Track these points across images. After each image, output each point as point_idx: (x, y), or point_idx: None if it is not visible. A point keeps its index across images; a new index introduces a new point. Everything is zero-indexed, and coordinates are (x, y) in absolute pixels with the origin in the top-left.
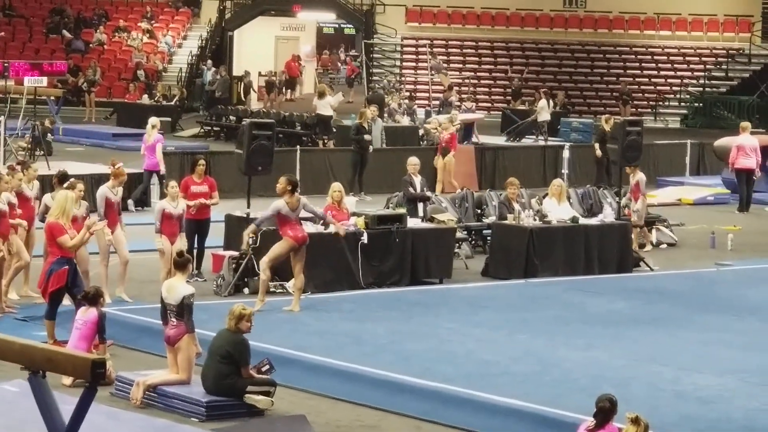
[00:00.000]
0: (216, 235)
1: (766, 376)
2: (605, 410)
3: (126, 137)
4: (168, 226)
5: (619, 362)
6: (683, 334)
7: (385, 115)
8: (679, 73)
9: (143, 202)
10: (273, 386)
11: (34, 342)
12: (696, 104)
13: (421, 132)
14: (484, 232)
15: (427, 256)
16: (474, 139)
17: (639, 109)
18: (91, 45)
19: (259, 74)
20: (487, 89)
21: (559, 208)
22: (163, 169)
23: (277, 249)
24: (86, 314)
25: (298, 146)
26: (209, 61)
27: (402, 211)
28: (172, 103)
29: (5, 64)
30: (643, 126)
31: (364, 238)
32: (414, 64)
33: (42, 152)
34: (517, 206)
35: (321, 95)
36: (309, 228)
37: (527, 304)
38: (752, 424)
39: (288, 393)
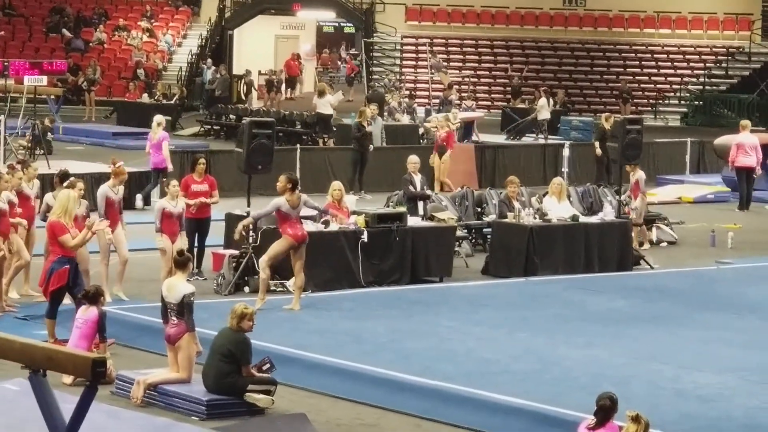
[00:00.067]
0: (216, 233)
1: (766, 374)
2: (606, 408)
3: (126, 136)
4: (168, 225)
5: (620, 360)
6: (683, 332)
7: (385, 113)
8: (679, 72)
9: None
10: (273, 385)
11: (34, 341)
12: (696, 102)
13: (421, 131)
14: (485, 230)
15: (428, 255)
16: (474, 138)
17: (639, 108)
18: (90, 44)
19: (259, 73)
20: (487, 88)
21: (559, 206)
22: (170, 167)
23: (276, 247)
24: (86, 313)
25: (298, 145)
26: (209, 60)
27: (402, 209)
28: (172, 101)
29: (5, 63)
30: (643, 124)
31: (365, 237)
32: (414, 62)
33: (42, 151)
34: (517, 205)
35: (321, 94)
36: (309, 227)
37: (527, 303)
38: (752, 422)
39: (288, 391)
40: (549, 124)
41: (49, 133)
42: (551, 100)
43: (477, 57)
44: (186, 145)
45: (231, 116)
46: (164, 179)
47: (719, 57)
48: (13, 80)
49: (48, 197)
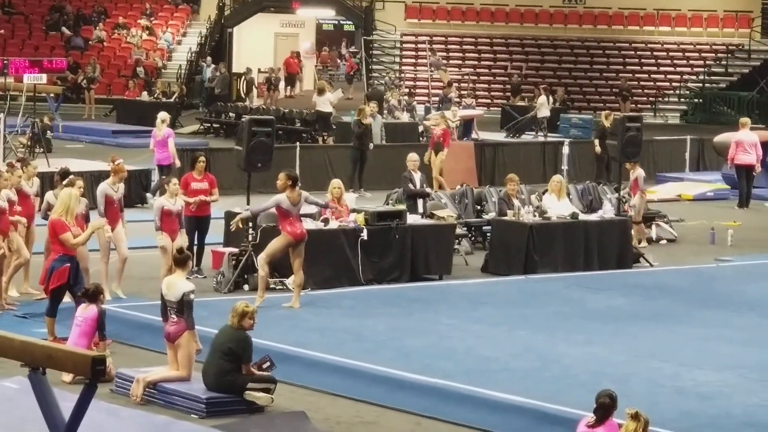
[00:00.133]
0: (216, 231)
1: (766, 371)
2: (605, 406)
3: (125, 134)
4: (168, 223)
5: (619, 358)
6: (683, 329)
7: (385, 111)
8: (678, 69)
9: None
10: (273, 383)
11: (34, 339)
12: (695, 100)
13: (420, 128)
14: (484, 228)
15: (427, 253)
16: (474, 136)
17: (638, 105)
18: (90, 42)
19: (259, 71)
20: (486, 85)
21: (558, 204)
22: (178, 162)
23: (274, 244)
24: (86, 311)
25: (297, 143)
26: (209, 58)
27: (402, 207)
28: (172, 100)
29: (5, 61)
30: (642, 122)
31: (364, 235)
32: (413, 60)
33: (42, 149)
34: (516, 202)
35: (320, 92)
36: (308, 225)
37: (527, 300)
38: (752, 419)
39: (288, 389)
40: (548, 121)
41: (48, 132)
42: (551, 97)
43: (476, 55)
44: (185, 143)
45: (230, 114)
46: (164, 177)
47: (719, 54)
48: (12, 78)
49: (49, 195)
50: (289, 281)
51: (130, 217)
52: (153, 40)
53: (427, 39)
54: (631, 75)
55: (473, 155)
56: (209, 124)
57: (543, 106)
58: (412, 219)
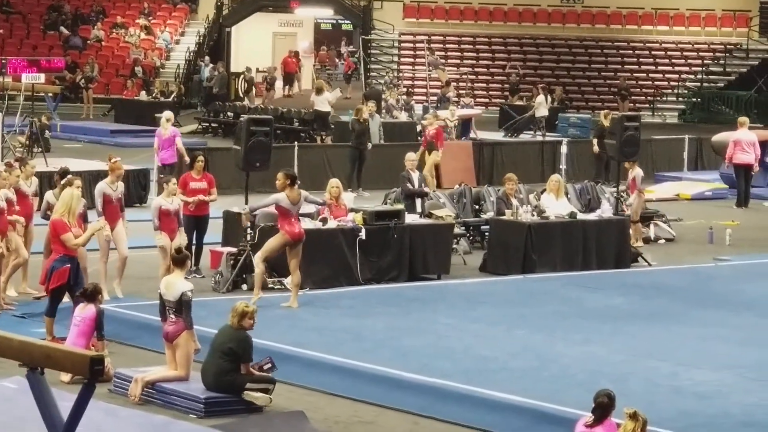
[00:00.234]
0: (214, 231)
1: (764, 371)
2: (603, 405)
3: (124, 134)
4: (166, 223)
5: (617, 357)
6: (681, 329)
7: (383, 110)
8: (676, 69)
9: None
10: (272, 384)
11: (32, 339)
12: (694, 99)
13: (418, 128)
14: (482, 227)
15: (425, 252)
16: (472, 135)
17: (637, 105)
18: (88, 41)
19: (257, 70)
20: (484, 85)
21: (557, 203)
22: (187, 158)
23: (271, 243)
24: (84, 311)
25: (295, 142)
26: (207, 58)
27: (400, 206)
28: (170, 99)
29: (3, 61)
30: (640, 121)
31: (362, 234)
32: (412, 59)
33: (40, 149)
34: (515, 202)
35: (319, 91)
36: (307, 224)
37: (525, 300)
38: (750, 419)
39: (286, 389)
40: (547, 121)
41: (46, 131)
42: (549, 97)
43: (475, 54)
44: (184, 142)
45: (229, 113)
46: (161, 176)
47: (717, 54)
48: (10, 78)
49: (48, 195)
50: (288, 281)
51: (128, 217)
52: (151, 40)
53: (426, 38)
54: (629, 74)
55: (471, 155)
56: (207, 124)
57: (541, 106)
58: (411, 218)
